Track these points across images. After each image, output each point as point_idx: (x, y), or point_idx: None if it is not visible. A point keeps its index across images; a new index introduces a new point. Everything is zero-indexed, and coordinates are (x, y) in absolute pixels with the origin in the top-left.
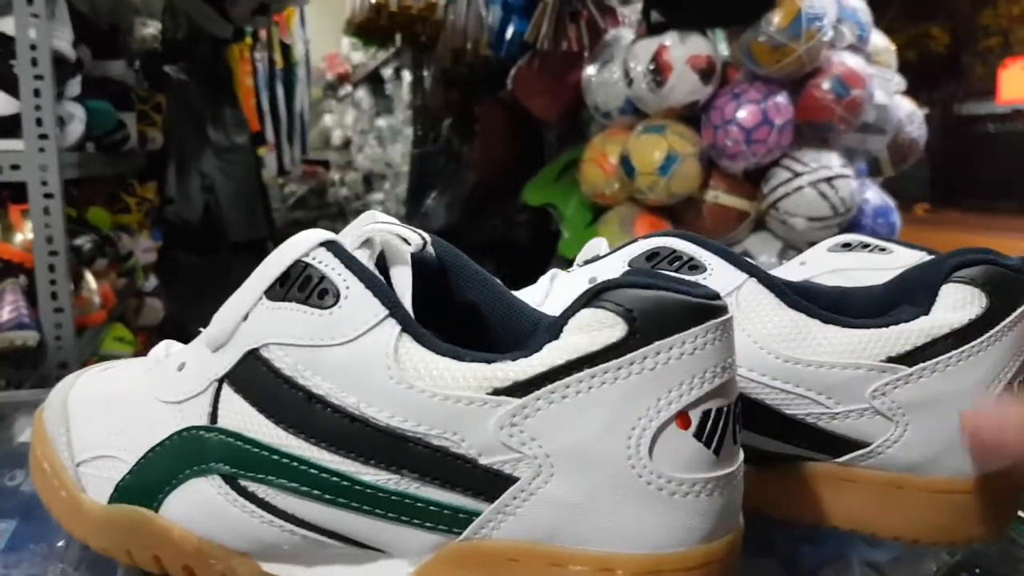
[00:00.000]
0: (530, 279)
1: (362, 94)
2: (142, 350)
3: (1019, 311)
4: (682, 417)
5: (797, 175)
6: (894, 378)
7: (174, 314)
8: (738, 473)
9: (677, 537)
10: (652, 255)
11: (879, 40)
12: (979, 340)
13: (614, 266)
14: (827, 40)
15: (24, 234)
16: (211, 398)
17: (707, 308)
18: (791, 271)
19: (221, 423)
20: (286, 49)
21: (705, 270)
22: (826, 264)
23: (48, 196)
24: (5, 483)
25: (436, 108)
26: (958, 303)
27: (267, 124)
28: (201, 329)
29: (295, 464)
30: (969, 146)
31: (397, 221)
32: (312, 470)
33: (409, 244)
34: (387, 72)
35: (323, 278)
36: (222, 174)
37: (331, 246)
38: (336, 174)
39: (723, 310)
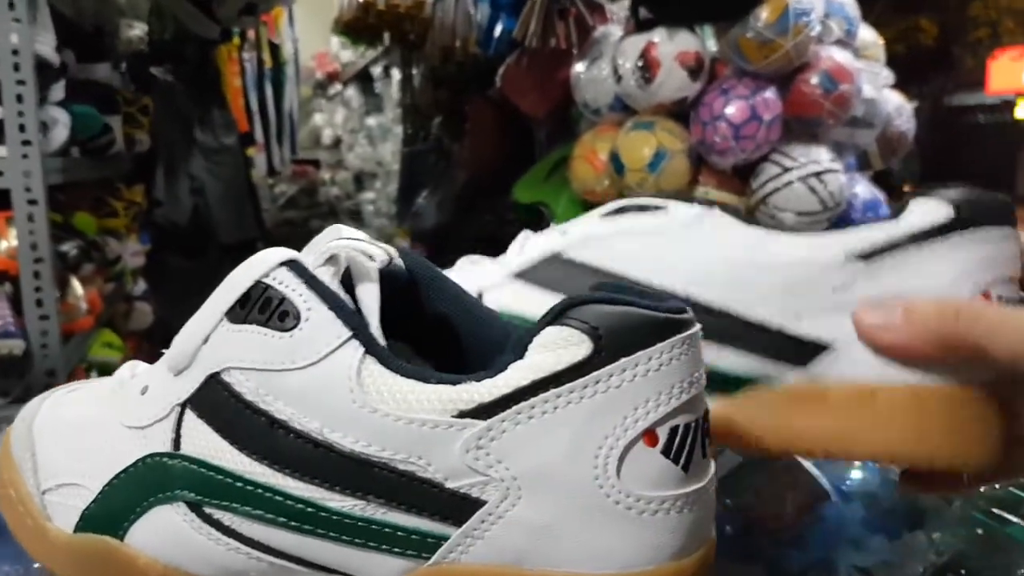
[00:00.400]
0: None
1: (352, 93)
2: (131, 355)
3: None
4: (649, 434)
5: (786, 170)
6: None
7: (164, 318)
8: (709, 487)
9: (647, 556)
10: (620, 209)
11: (867, 34)
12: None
13: (587, 222)
14: (815, 35)
15: (8, 241)
16: (174, 423)
17: (672, 322)
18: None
19: (184, 449)
20: (275, 48)
21: (663, 208)
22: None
23: (32, 203)
24: None
25: (425, 107)
26: None
27: (256, 124)
28: (163, 351)
29: (259, 491)
30: (959, 137)
31: (363, 235)
32: (277, 497)
33: (374, 260)
34: (376, 71)
35: (284, 299)
36: (210, 176)
37: (292, 265)
38: (327, 173)
39: (689, 324)
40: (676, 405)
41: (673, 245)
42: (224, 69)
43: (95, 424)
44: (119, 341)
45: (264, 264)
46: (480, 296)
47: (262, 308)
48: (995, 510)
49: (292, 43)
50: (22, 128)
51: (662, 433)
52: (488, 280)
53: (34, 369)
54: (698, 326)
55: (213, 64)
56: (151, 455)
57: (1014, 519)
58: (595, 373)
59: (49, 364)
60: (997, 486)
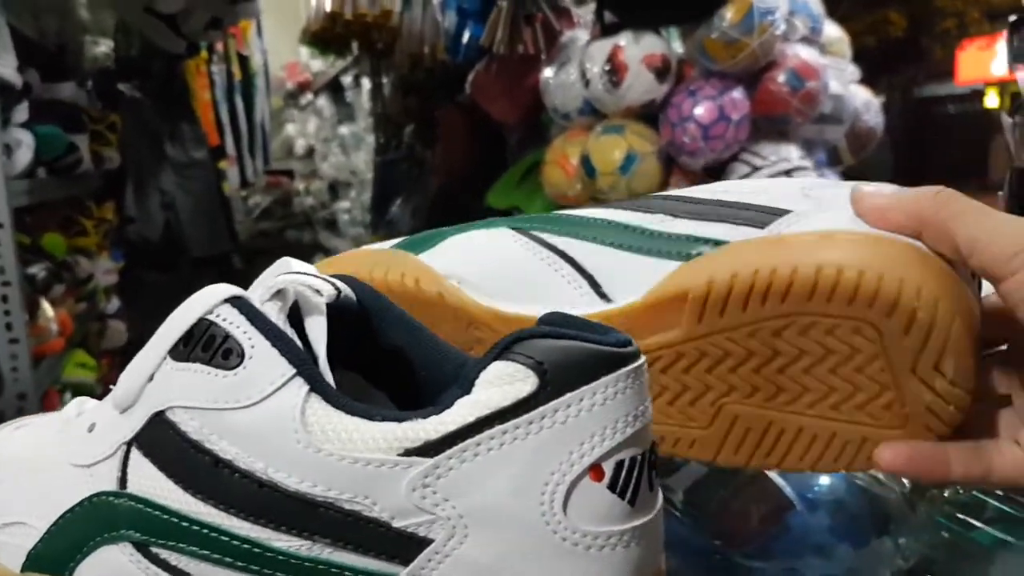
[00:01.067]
0: None
1: (323, 102)
2: (106, 373)
3: None
4: (595, 470)
5: (756, 169)
6: None
7: (140, 335)
8: (656, 520)
9: None
10: None
11: (832, 31)
12: None
13: None
14: (780, 33)
15: None
16: (120, 462)
17: (617, 356)
18: None
19: (131, 488)
20: (244, 60)
21: None
22: None
23: None
24: None
25: (396, 115)
26: None
27: (227, 137)
28: (112, 387)
29: (205, 531)
30: (931, 127)
31: (311, 269)
32: (223, 537)
33: (321, 294)
34: (347, 80)
35: (227, 336)
36: (181, 190)
37: (236, 302)
38: (301, 183)
39: (634, 356)
40: (621, 439)
41: None
42: (193, 83)
43: (42, 462)
44: (92, 361)
45: (207, 301)
46: None
47: (205, 346)
48: (960, 515)
49: (261, 54)
50: None
51: (608, 468)
52: None
53: (5, 393)
54: (643, 359)
55: (181, 78)
56: (97, 494)
57: (978, 524)
58: (540, 409)
59: (20, 388)
60: (961, 491)
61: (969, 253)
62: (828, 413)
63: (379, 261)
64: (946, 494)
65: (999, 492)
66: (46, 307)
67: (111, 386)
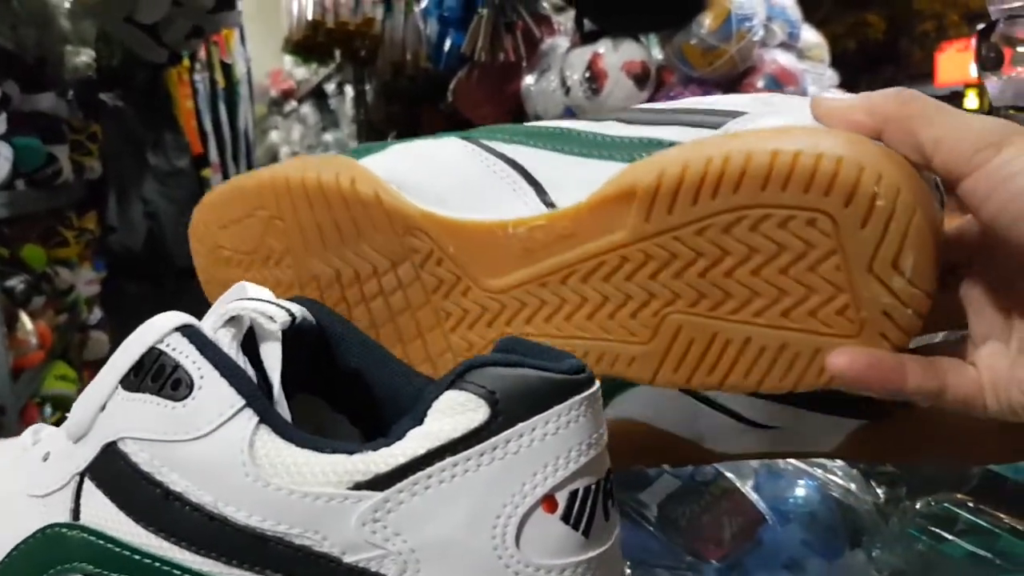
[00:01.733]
0: None
1: (307, 110)
2: (87, 386)
3: None
4: (548, 501)
5: None
6: None
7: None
8: (612, 550)
9: None
10: None
11: (810, 36)
12: None
13: None
14: (758, 39)
15: None
16: (73, 492)
17: (570, 384)
18: None
19: (84, 519)
20: (227, 68)
21: None
22: None
23: None
24: None
25: (380, 122)
26: None
27: (211, 145)
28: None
29: (157, 564)
30: None
31: (266, 294)
32: (175, 571)
33: (275, 321)
34: (330, 87)
35: (177, 366)
36: (164, 199)
37: (186, 331)
38: None
39: (587, 383)
40: (575, 469)
41: None
42: (175, 91)
43: None
44: (73, 373)
45: (158, 330)
46: None
47: (155, 376)
48: (932, 528)
49: (245, 62)
50: None
51: (561, 498)
52: None
53: None
54: (597, 385)
55: (163, 87)
56: (50, 526)
57: (949, 536)
58: (492, 439)
59: None
60: (933, 503)
61: (932, 152)
62: (778, 321)
63: (318, 164)
64: (918, 506)
65: (970, 504)
66: (25, 320)
67: None
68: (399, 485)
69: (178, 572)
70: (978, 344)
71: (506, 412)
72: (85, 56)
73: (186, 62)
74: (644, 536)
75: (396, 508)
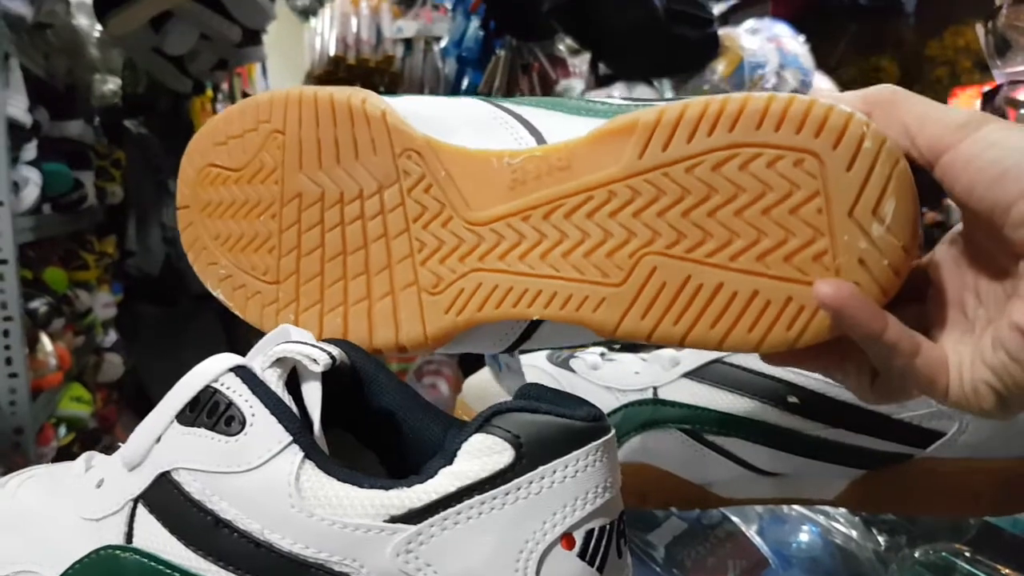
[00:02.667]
0: None
1: None
2: (102, 407)
3: None
4: (567, 538)
5: None
6: None
7: (135, 368)
8: None
9: None
10: None
11: (822, 82)
12: None
13: None
14: (770, 87)
15: None
16: (127, 517)
17: (588, 431)
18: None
19: (136, 543)
20: None
21: None
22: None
23: (2, 262)
24: None
25: None
26: None
27: None
28: (120, 445)
29: None
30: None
31: (309, 338)
32: None
33: (318, 363)
34: None
35: (230, 404)
36: None
37: (240, 371)
38: None
39: (604, 431)
40: (591, 509)
41: None
42: (198, 120)
43: (51, 514)
44: (88, 395)
45: (214, 370)
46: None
47: (210, 412)
48: (928, 574)
49: None
50: None
51: (579, 536)
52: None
53: (2, 427)
54: (613, 432)
55: (186, 116)
56: (105, 547)
57: None
58: (516, 480)
59: (17, 422)
60: (931, 552)
61: (918, 129)
62: (753, 266)
63: (336, 87)
64: (917, 554)
65: (967, 554)
66: (45, 341)
67: (106, 420)
68: (431, 520)
69: None
70: (945, 331)
71: (529, 455)
72: (112, 84)
73: (209, 92)
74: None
75: (428, 541)
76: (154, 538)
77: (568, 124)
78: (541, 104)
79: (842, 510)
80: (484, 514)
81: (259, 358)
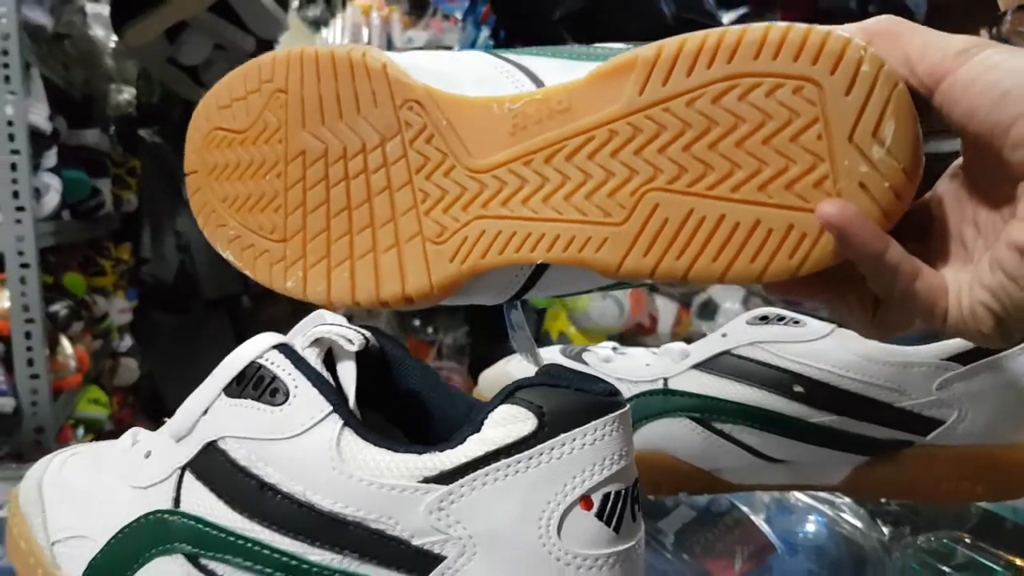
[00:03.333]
0: (500, 326)
1: None
2: (118, 410)
3: None
4: (585, 500)
5: None
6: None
7: (150, 373)
8: (637, 547)
9: None
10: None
11: None
12: None
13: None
14: None
15: (0, 303)
16: (175, 484)
17: (605, 404)
18: (712, 343)
19: (184, 507)
20: None
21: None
22: (745, 336)
23: (24, 266)
24: None
25: None
26: None
27: None
28: (166, 420)
29: (250, 545)
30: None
31: (344, 321)
32: (265, 550)
33: (352, 343)
34: None
35: (275, 378)
36: (197, 233)
37: (283, 348)
38: None
39: (619, 405)
40: (608, 474)
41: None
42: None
43: (101, 484)
44: (105, 397)
45: (259, 347)
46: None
47: (256, 385)
48: (932, 562)
49: None
50: (16, 195)
51: (596, 499)
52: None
53: (23, 426)
54: (627, 407)
55: None
56: (153, 512)
57: (947, 569)
58: (539, 446)
59: (38, 421)
60: (933, 539)
61: (919, 57)
62: (754, 196)
63: (337, 45)
64: (919, 541)
65: (968, 541)
66: (65, 344)
67: (121, 423)
68: (461, 481)
69: (268, 551)
70: (946, 262)
71: (551, 424)
72: (127, 94)
73: None
74: (661, 561)
75: (458, 500)
76: (201, 502)
77: (568, 68)
78: (542, 52)
79: (848, 501)
80: (509, 476)
81: (298, 338)
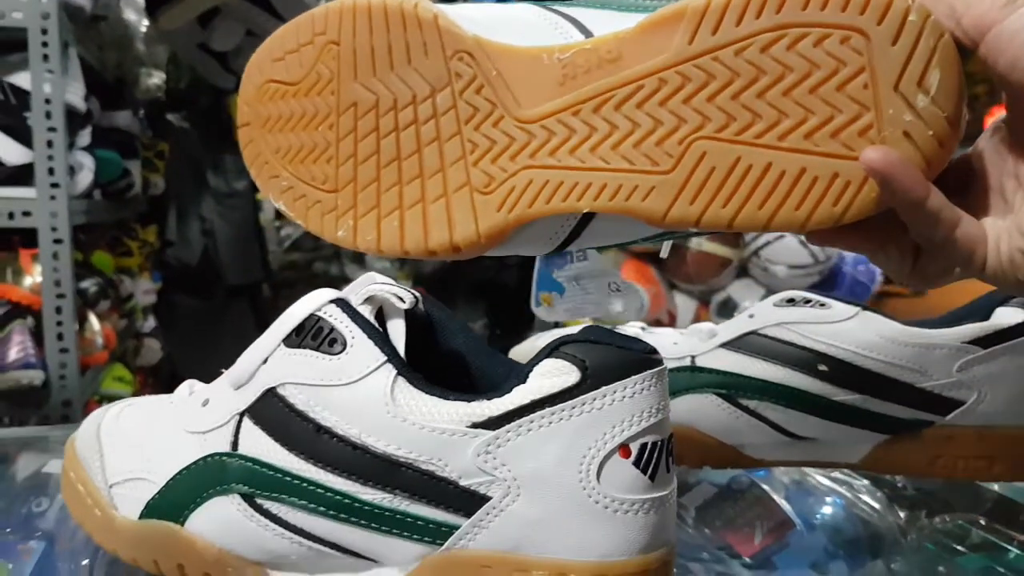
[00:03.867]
0: (519, 318)
1: None
2: (140, 390)
3: None
4: (624, 448)
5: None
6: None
7: (171, 354)
8: (671, 496)
9: (620, 548)
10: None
11: None
12: None
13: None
14: None
15: (33, 277)
16: (233, 429)
17: (645, 360)
18: (740, 323)
19: (241, 450)
20: None
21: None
22: (772, 317)
23: (57, 242)
24: (32, 509)
25: None
26: None
27: None
28: (223, 370)
29: (305, 485)
30: None
31: (393, 282)
32: (319, 490)
33: (404, 301)
34: None
35: (332, 329)
36: (221, 219)
37: (340, 303)
38: None
39: (658, 362)
40: (646, 426)
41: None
42: (236, 116)
43: (159, 431)
44: (129, 375)
45: (318, 300)
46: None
47: (315, 336)
48: (947, 542)
49: None
50: (51, 171)
51: (634, 448)
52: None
53: (52, 399)
54: (664, 365)
55: (226, 111)
56: (211, 454)
57: (962, 548)
58: (581, 397)
59: (66, 395)
60: (948, 519)
61: (964, 8)
62: (801, 144)
63: None
64: (935, 522)
65: (982, 522)
66: (93, 320)
67: None
68: (507, 427)
69: (322, 491)
70: (986, 212)
71: (593, 377)
72: (156, 78)
73: None
74: (681, 534)
75: (504, 444)
76: (259, 445)
77: (616, 19)
78: (591, 4)
79: (866, 483)
80: (553, 423)
81: (352, 296)
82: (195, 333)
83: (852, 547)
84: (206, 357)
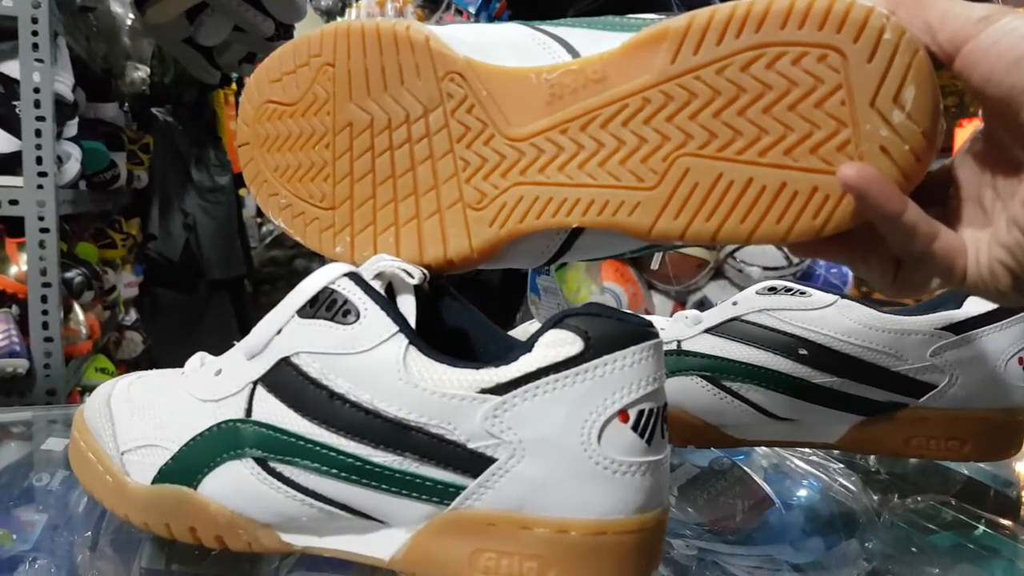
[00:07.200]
0: (502, 315)
1: None
2: None
3: None
4: (623, 414)
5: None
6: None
7: (152, 348)
8: (665, 460)
9: (618, 507)
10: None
11: None
12: None
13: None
14: None
15: (18, 266)
16: (246, 397)
17: (643, 332)
18: (724, 310)
19: (255, 417)
20: None
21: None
22: (755, 304)
23: (44, 231)
24: (34, 483)
25: None
26: None
27: None
28: (235, 342)
29: (319, 448)
30: None
31: (400, 260)
32: (332, 453)
33: (412, 277)
34: None
35: (346, 301)
36: (204, 213)
37: (353, 276)
38: None
39: (655, 335)
40: (643, 393)
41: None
42: (221, 112)
43: (171, 400)
44: (112, 367)
45: (332, 273)
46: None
47: (328, 307)
48: (919, 521)
49: None
50: (39, 160)
51: (632, 413)
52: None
53: (36, 388)
54: (660, 338)
55: (210, 106)
56: (225, 421)
57: (933, 527)
58: (584, 365)
59: (50, 384)
60: (920, 499)
61: (940, 24)
62: (781, 159)
63: (382, 19)
64: (907, 503)
65: (952, 502)
66: (78, 311)
67: None
68: (514, 392)
69: (334, 454)
70: (964, 224)
71: (595, 347)
72: (142, 72)
73: (234, 85)
74: None
75: (511, 409)
76: (272, 412)
77: (602, 39)
78: (577, 24)
79: (841, 467)
80: (557, 390)
81: (364, 271)
82: (176, 327)
83: (828, 527)
84: (187, 351)
